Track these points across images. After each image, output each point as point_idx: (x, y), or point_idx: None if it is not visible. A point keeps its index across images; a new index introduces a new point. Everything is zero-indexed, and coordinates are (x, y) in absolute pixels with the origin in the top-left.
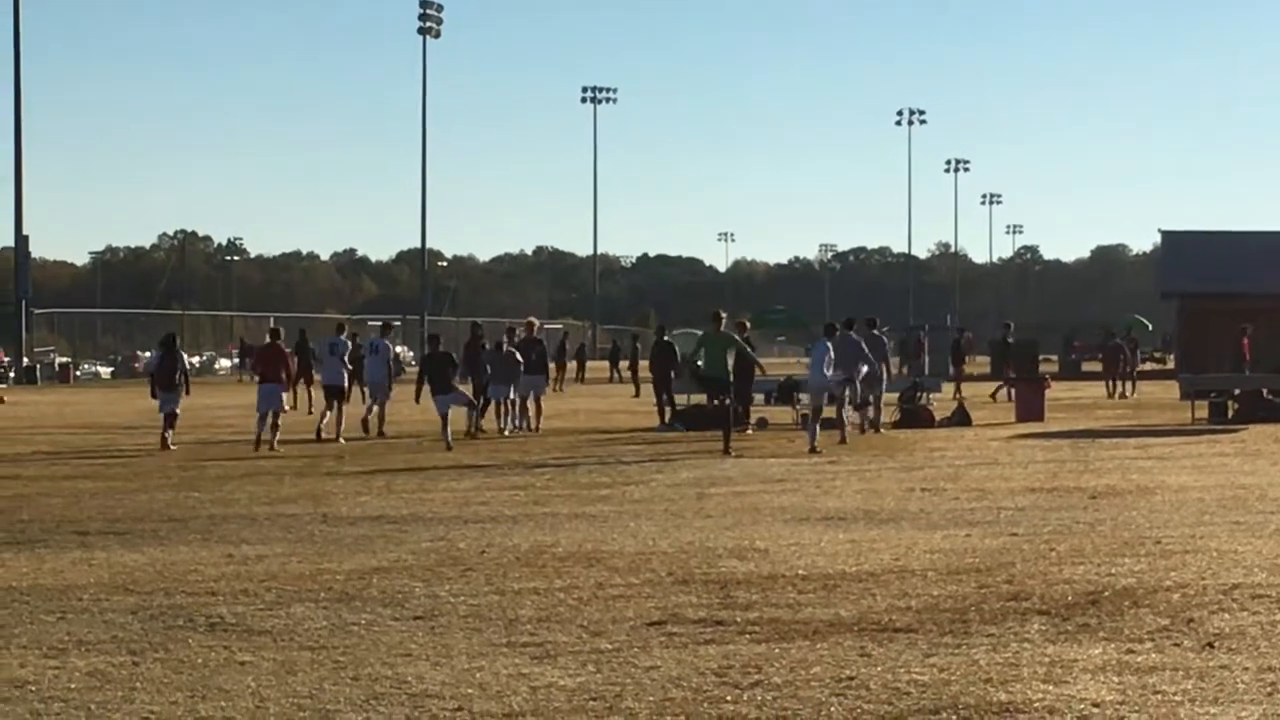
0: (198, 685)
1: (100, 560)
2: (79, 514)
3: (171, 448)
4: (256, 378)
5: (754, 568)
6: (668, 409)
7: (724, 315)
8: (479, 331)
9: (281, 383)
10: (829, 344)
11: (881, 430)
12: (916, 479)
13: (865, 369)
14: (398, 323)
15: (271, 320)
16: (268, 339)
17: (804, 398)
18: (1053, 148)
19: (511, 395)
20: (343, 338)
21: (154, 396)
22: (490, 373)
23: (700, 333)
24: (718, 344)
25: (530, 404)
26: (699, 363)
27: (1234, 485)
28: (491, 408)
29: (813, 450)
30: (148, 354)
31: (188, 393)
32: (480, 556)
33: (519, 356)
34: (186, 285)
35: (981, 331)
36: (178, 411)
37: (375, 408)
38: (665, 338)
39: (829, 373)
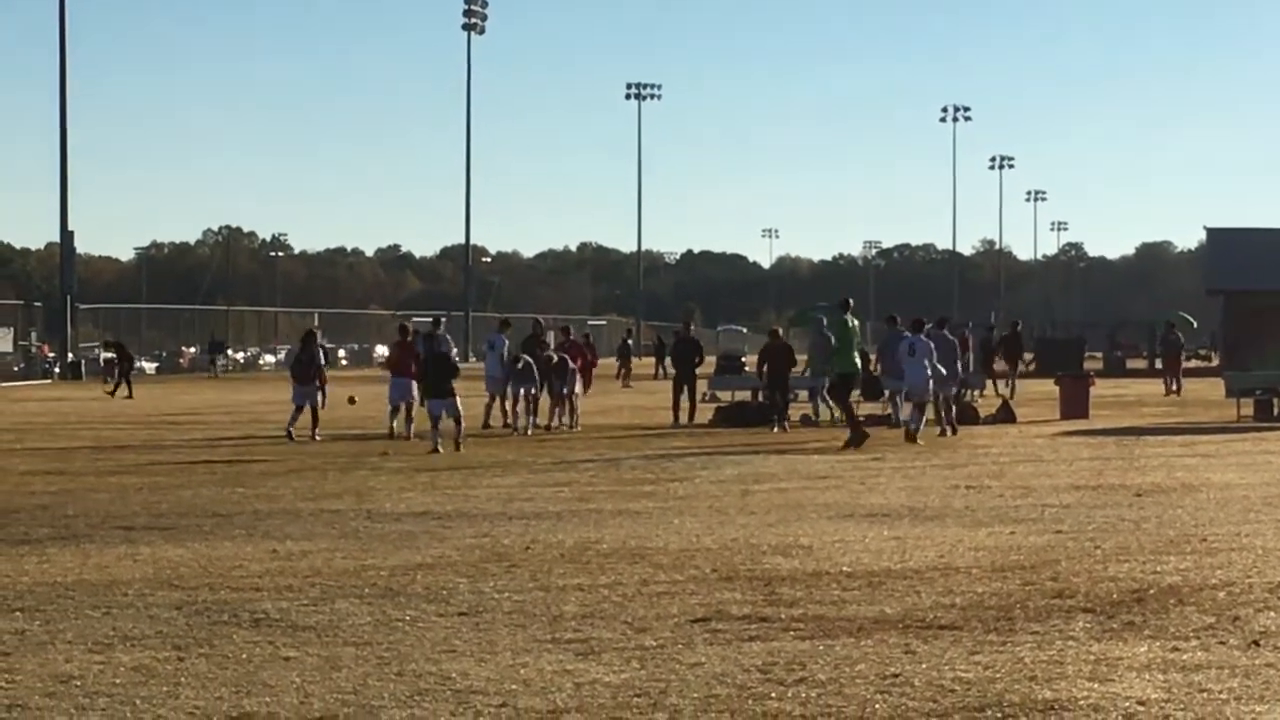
0: (242, 680)
1: (145, 555)
2: (124, 509)
3: (296, 439)
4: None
5: (798, 564)
6: (689, 405)
7: (851, 302)
8: (539, 329)
9: (412, 375)
10: (927, 341)
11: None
12: (961, 476)
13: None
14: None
15: (316, 318)
16: (398, 335)
17: (908, 395)
18: (1097, 144)
19: (534, 393)
20: (441, 332)
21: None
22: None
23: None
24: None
25: (564, 402)
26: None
27: None
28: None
29: (912, 439)
30: (193, 350)
31: (322, 386)
32: (524, 553)
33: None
34: (231, 281)
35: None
36: (317, 404)
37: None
38: (691, 333)
39: (929, 370)
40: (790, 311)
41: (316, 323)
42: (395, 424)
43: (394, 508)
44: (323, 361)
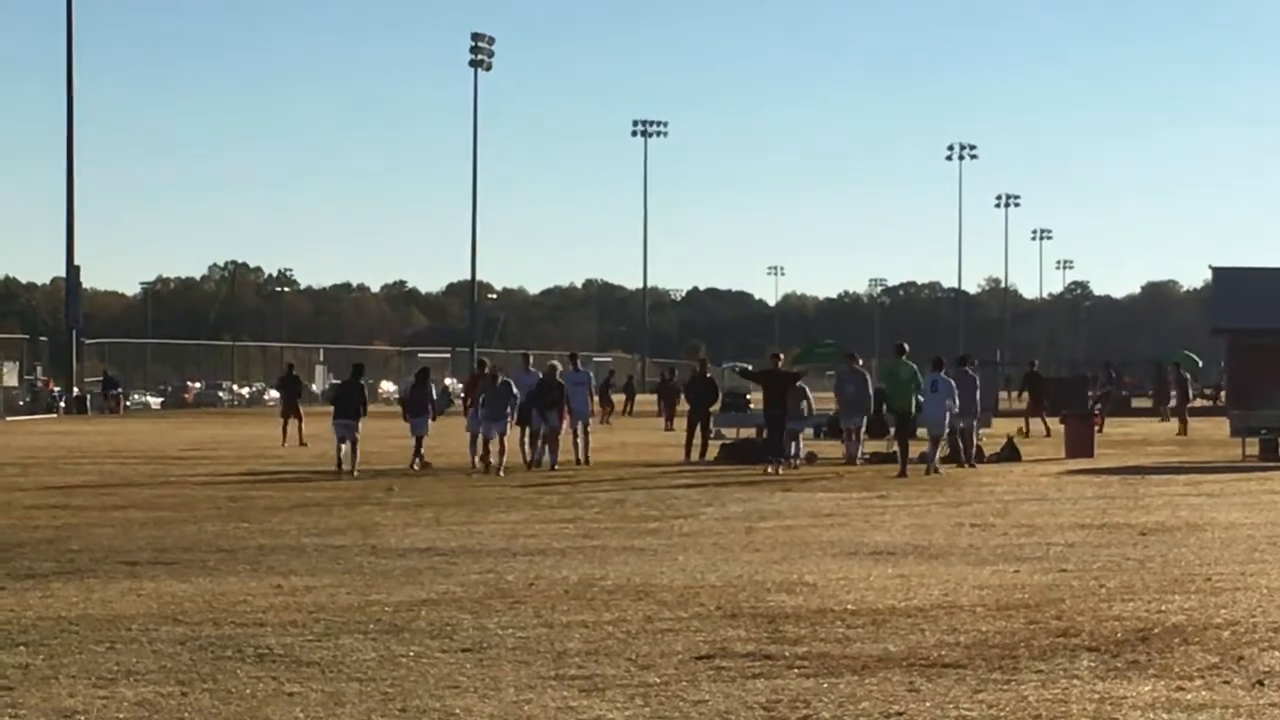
0: (245, 716)
1: (149, 590)
2: (128, 544)
3: (416, 468)
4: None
5: (802, 602)
6: (701, 442)
7: (906, 348)
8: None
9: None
10: (949, 379)
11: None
12: (965, 514)
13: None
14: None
15: (322, 353)
16: (476, 369)
17: (923, 431)
18: (1103, 183)
19: (507, 431)
20: (531, 370)
21: (405, 420)
22: (486, 406)
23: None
24: (904, 375)
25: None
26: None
27: None
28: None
29: (932, 470)
30: (197, 385)
31: (434, 418)
32: (529, 589)
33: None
34: (236, 316)
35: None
36: (426, 434)
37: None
38: (708, 373)
39: (952, 408)
40: (795, 348)
41: (321, 358)
42: (476, 457)
43: (399, 543)
44: (434, 395)
